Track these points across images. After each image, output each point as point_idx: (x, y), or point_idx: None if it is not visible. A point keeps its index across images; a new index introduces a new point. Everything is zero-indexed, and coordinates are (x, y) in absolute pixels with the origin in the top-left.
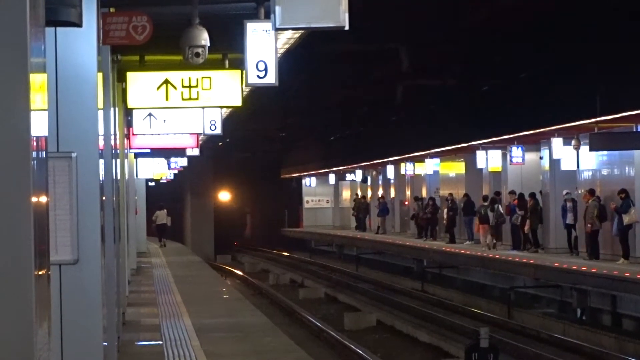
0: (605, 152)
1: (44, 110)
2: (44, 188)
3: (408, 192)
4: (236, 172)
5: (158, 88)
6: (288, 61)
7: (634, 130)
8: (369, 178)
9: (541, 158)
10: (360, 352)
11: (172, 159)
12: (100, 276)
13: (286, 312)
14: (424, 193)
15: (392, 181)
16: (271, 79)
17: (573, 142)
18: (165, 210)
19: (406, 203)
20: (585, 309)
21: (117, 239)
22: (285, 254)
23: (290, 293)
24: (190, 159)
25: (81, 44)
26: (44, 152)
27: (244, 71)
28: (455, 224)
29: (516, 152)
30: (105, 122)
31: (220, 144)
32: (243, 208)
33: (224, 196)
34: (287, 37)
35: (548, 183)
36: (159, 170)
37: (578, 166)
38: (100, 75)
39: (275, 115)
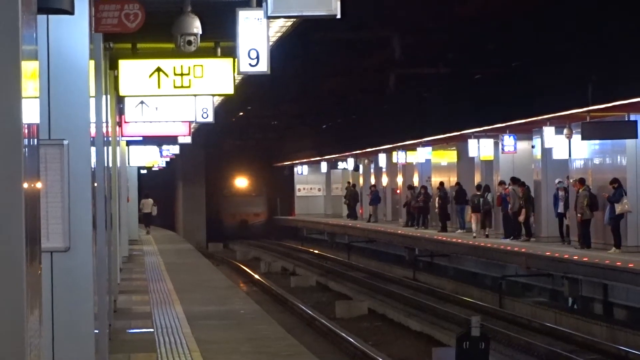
0: (597, 141)
1: (36, 97)
2: (35, 175)
3: (400, 181)
4: (228, 160)
5: (150, 76)
6: (280, 49)
7: (626, 119)
8: (360, 166)
9: (533, 147)
10: (352, 340)
11: (164, 147)
12: (92, 263)
13: (278, 300)
14: (416, 181)
15: (384, 169)
16: (263, 67)
17: (565, 131)
18: (150, 200)
19: (398, 191)
20: (577, 298)
21: (109, 226)
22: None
23: (282, 281)
24: (182, 146)
25: (73, 31)
26: (36, 140)
27: (236, 59)
28: (447, 213)
29: (508, 140)
30: (97, 110)
31: (212, 130)
32: (264, 191)
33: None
34: (280, 26)
35: (540, 172)
36: (151, 157)
37: (570, 155)
38: (92, 63)
39: (268, 103)
